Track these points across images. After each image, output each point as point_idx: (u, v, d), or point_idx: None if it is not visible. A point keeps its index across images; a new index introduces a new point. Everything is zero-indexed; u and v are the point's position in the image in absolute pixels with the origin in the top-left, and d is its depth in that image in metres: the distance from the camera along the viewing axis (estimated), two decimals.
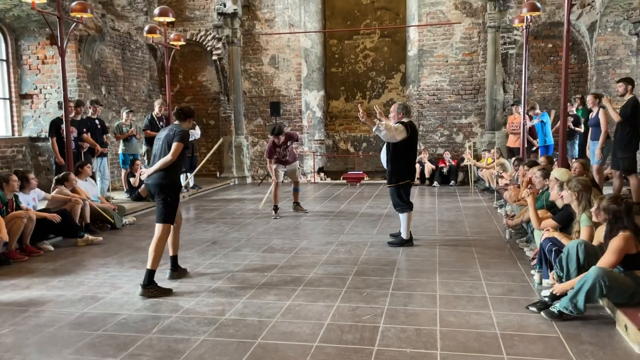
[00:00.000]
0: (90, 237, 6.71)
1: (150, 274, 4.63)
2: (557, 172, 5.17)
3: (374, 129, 5.91)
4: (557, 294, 3.90)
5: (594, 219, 4.00)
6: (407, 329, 3.74)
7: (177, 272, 5.15)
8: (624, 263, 3.74)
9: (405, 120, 6.21)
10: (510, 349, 3.40)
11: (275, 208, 8.43)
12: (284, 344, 3.54)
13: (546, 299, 3.98)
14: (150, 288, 4.58)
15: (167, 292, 4.61)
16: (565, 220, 4.75)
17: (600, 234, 4.01)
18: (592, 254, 3.87)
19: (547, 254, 4.38)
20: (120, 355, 3.41)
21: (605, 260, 3.69)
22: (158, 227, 4.74)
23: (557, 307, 3.80)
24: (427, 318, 3.95)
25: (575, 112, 9.94)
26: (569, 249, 3.98)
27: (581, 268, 3.87)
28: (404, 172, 6.18)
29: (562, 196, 4.63)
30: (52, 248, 6.36)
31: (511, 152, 10.90)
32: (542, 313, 3.87)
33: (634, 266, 3.74)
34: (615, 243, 3.70)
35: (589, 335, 3.58)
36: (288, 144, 8.42)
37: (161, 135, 4.89)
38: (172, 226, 4.87)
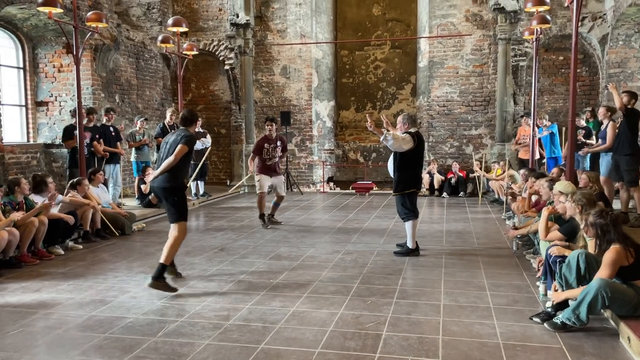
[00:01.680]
0: (71, 243, 6.81)
1: (162, 268, 4.85)
2: (561, 185, 5.18)
3: (381, 139, 5.98)
4: (556, 303, 3.91)
5: (585, 235, 4.02)
6: (409, 337, 3.76)
7: (173, 267, 5.30)
8: (620, 275, 3.74)
9: (412, 130, 6.26)
10: (511, 359, 3.40)
11: (262, 216, 8.24)
12: (287, 350, 3.58)
13: (549, 310, 3.99)
14: (159, 281, 4.78)
15: (173, 290, 4.78)
16: (571, 232, 4.74)
17: (592, 247, 4.05)
18: (592, 264, 3.87)
19: (552, 265, 4.38)
20: (126, 358, 3.47)
21: (602, 273, 3.71)
22: (174, 227, 4.94)
23: (560, 318, 3.81)
24: (430, 327, 3.97)
25: (585, 125, 9.91)
26: (569, 259, 3.99)
27: (582, 278, 3.88)
28: (410, 181, 6.23)
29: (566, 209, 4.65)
30: (62, 252, 6.47)
31: (522, 164, 10.87)
32: (545, 324, 3.88)
33: (630, 277, 3.74)
34: (609, 256, 3.72)
35: (591, 346, 3.58)
36: (278, 144, 8.21)
37: (168, 139, 5.04)
38: (187, 224, 5.04)
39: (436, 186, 12.03)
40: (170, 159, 4.76)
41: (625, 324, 3.61)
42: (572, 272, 3.93)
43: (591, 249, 4.14)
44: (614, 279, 3.77)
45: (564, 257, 4.25)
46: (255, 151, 8.23)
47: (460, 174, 12.01)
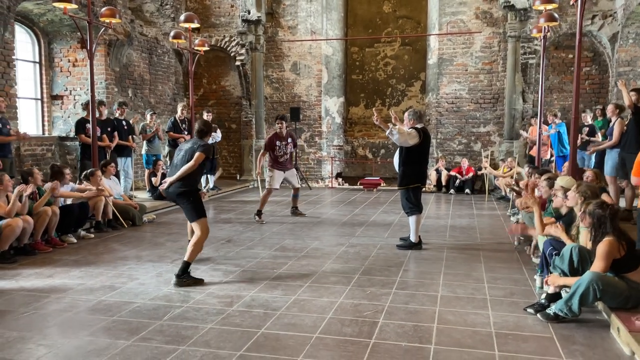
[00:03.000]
0: (83, 233, 7.03)
1: (186, 265, 4.94)
2: (562, 180, 5.25)
3: (387, 133, 6.09)
4: (553, 286, 4.00)
5: (581, 223, 4.09)
6: (405, 325, 3.89)
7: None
8: (612, 268, 3.82)
9: (418, 126, 6.36)
10: (502, 346, 3.51)
11: (259, 213, 8.32)
12: (286, 334, 3.72)
13: (543, 302, 4.08)
14: (184, 278, 4.89)
15: (199, 282, 4.91)
16: (568, 226, 4.82)
17: (585, 238, 4.12)
18: (586, 258, 3.96)
19: (548, 258, 4.48)
20: (132, 339, 3.64)
21: (596, 266, 3.79)
22: (196, 225, 5.01)
23: (553, 309, 3.90)
24: (426, 316, 4.09)
25: (590, 123, 9.92)
26: (563, 252, 4.08)
27: (575, 271, 3.97)
28: (415, 176, 6.33)
29: (565, 201, 4.72)
30: (75, 240, 6.69)
31: (532, 161, 10.89)
32: (538, 315, 3.97)
33: (622, 270, 3.82)
34: (602, 248, 3.79)
35: (582, 336, 3.68)
36: (289, 140, 8.46)
37: (183, 147, 5.18)
38: (206, 220, 5.11)
39: (443, 183, 12.09)
40: (190, 164, 4.89)
41: (616, 315, 3.70)
42: (565, 265, 4.02)
43: (582, 241, 4.23)
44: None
45: (559, 251, 4.33)
46: (266, 148, 8.47)
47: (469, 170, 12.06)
